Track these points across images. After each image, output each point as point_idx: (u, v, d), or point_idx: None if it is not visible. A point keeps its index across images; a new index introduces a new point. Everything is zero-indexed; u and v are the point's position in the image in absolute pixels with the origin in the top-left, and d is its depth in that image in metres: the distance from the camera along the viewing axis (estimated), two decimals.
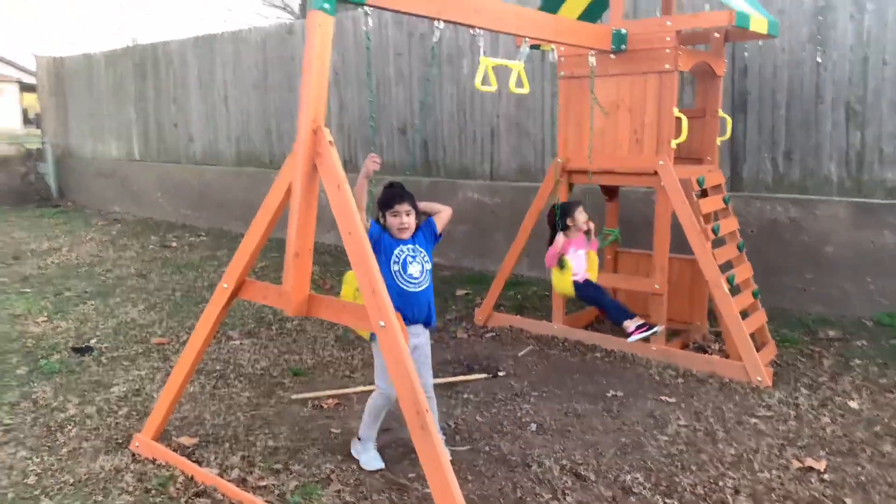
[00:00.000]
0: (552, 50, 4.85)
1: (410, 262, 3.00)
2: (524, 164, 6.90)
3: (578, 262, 4.48)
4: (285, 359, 4.57)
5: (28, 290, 6.37)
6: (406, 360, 2.42)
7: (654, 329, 4.36)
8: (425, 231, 3.12)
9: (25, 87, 37.16)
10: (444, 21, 3.20)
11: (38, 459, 3.17)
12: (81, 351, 4.70)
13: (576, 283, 4.46)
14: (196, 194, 10.37)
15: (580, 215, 4.45)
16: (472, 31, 3.43)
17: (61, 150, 13.01)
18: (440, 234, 3.16)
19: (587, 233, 4.51)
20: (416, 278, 3.00)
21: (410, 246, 3.03)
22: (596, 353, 4.62)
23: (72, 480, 2.98)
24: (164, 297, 6.18)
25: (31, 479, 3.00)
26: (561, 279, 4.51)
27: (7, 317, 5.52)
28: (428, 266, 3.07)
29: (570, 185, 4.98)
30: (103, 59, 11.84)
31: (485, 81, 3.52)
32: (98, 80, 12.02)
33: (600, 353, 4.63)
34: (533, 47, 4.86)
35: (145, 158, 11.35)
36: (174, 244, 8.71)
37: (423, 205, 3.15)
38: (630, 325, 4.33)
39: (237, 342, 4.89)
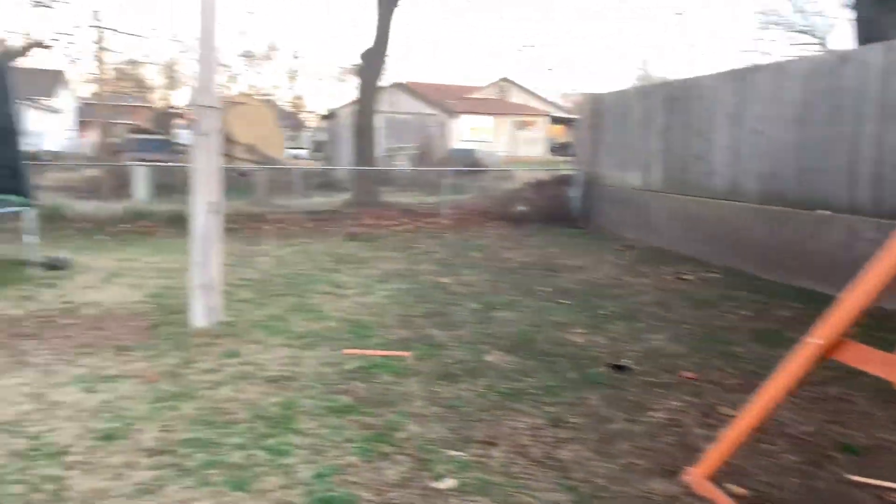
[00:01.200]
0: None
1: None
2: None
3: None
4: (831, 429, 4.08)
5: (565, 302, 7.23)
6: None
7: None
8: None
9: (554, 121, 43.27)
10: None
11: (598, 463, 3.49)
12: (619, 368, 5.07)
13: None
14: (710, 229, 10.31)
15: None
16: None
17: (588, 177, 14.56)
18: None
19: None
20: None
21: None
22: None
23: (632, 493, 3.19)
24: (684, 330, 6.24)
25: (583, 482, 3.31)
26: None
27: (552, 323, 6.35)
28: None
29: None
30: (635, 95, 12.78)
31: None
32: (628, 114, 13.02)
33: None
34: None
35: (662, 189, 11.81)
36: (688, 277, 8.81)
37: None
38: None
39: None
